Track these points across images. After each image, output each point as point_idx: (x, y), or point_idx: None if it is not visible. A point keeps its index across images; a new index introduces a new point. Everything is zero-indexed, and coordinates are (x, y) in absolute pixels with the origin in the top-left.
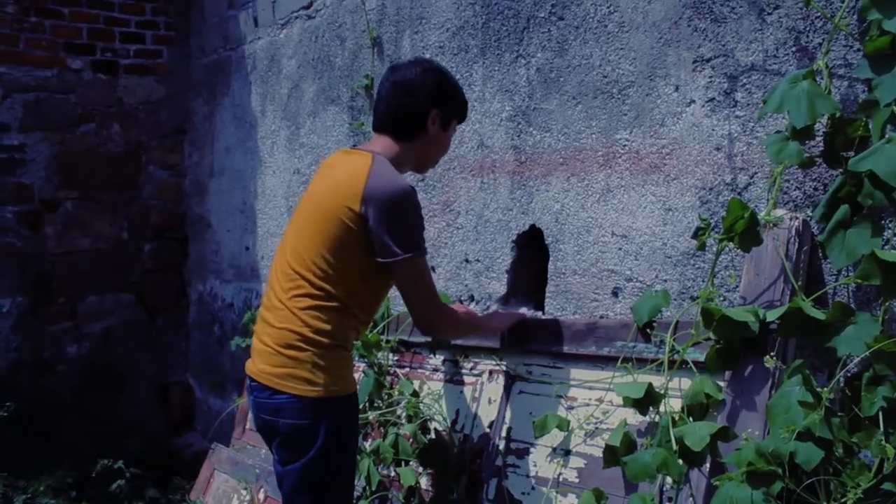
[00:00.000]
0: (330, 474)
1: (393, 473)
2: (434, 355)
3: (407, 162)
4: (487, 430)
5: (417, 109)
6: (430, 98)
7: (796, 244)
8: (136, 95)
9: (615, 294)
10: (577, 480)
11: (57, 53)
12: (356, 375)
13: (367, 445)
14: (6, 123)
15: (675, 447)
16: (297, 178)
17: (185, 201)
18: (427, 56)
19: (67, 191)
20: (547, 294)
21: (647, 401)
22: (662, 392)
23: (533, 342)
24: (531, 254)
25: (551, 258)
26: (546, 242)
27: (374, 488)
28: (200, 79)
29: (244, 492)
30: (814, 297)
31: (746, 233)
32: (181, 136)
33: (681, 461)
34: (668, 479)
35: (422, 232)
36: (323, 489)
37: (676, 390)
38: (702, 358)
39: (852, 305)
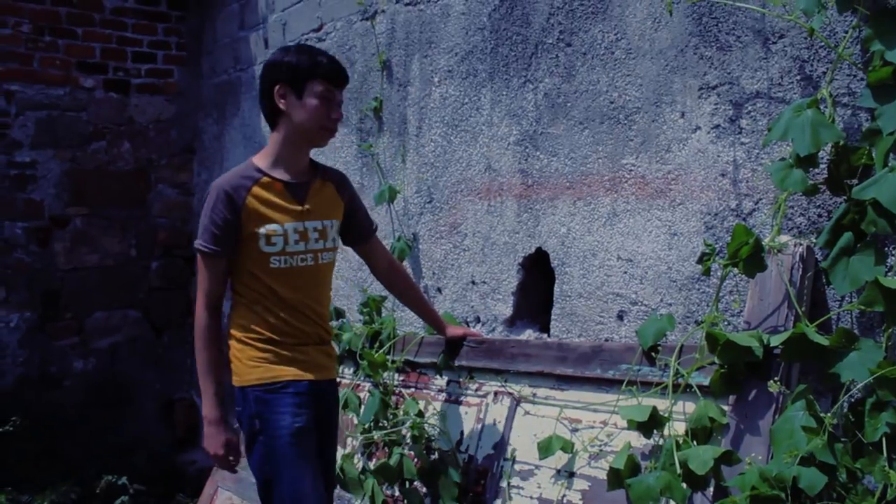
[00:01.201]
0: (265, 464)
1: (397, 493)
2: (440, 376)
3: (286, 146)
4: (492, 451)
5: (265, 96)
6: (267, 80)
7: (800, 270)
8: (146, 114)
9: (620, 317)
10: (580, 503)
11: (70, 72)
12: (364, 394)
13: (372, 465)
14: (18, 140)
15: (678, 470)
16: None
17: (193, 220)
18: (436, 79)
19: (77, 207)
20: (552, 316)
21: (652, 424)
22: (667, 415)
23: None
24: (537, 276)
25: (557, 281)
26: (552, 265)
27: None
28: (210, 99)
29: None
30: (817, 322)
31: (751, 258)
32: (190, 156)
33: (684, 485)
34: (672, 503)
35: (207, 228)
36: (265, 477)
37: (681, 414)
38: (706, 382)
39: (856, 331)
